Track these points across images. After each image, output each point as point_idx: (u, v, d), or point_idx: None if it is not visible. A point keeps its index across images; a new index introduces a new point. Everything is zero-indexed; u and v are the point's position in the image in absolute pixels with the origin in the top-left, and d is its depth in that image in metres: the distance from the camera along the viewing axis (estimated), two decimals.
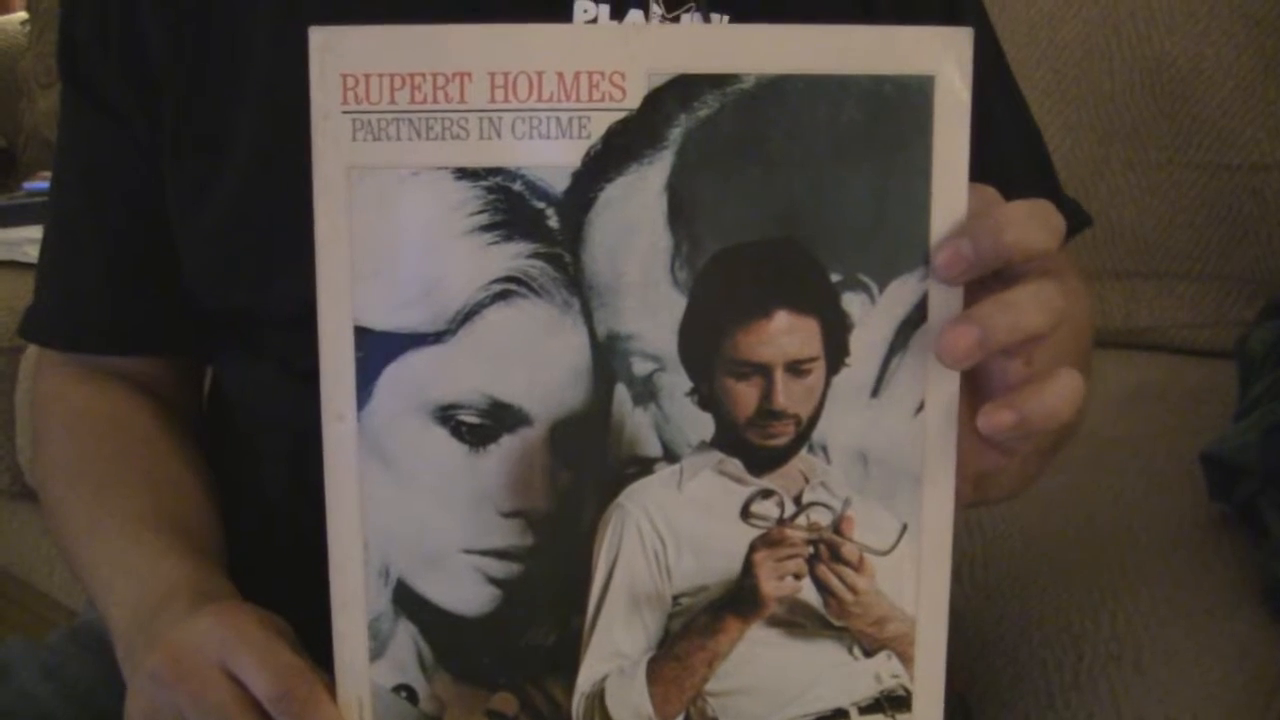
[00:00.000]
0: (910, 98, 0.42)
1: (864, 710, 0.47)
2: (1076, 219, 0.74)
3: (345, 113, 0.43)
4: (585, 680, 0.47)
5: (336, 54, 0.43)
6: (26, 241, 1.72)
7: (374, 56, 0.43)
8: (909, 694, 0.47)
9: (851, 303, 0.44)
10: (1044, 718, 0.72)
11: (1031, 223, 0.43)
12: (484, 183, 0.43)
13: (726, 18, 0.59)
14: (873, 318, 0.43)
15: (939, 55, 0.42)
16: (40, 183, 1.98)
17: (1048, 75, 1.24)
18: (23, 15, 2.55)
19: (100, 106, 0.68)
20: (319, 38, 0.43)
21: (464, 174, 0.43)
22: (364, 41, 0.43)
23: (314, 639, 0.51)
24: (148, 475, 0.67)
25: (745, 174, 0.43)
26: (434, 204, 0.43)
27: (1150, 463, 0.95)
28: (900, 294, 0.43)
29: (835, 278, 0.43)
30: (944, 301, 0.43)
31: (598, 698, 0.47)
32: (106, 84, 0.67)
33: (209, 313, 0.68)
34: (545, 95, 0.42)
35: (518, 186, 0.43)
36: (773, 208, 0.43)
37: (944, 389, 0.44)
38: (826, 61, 0.42)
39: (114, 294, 0.70)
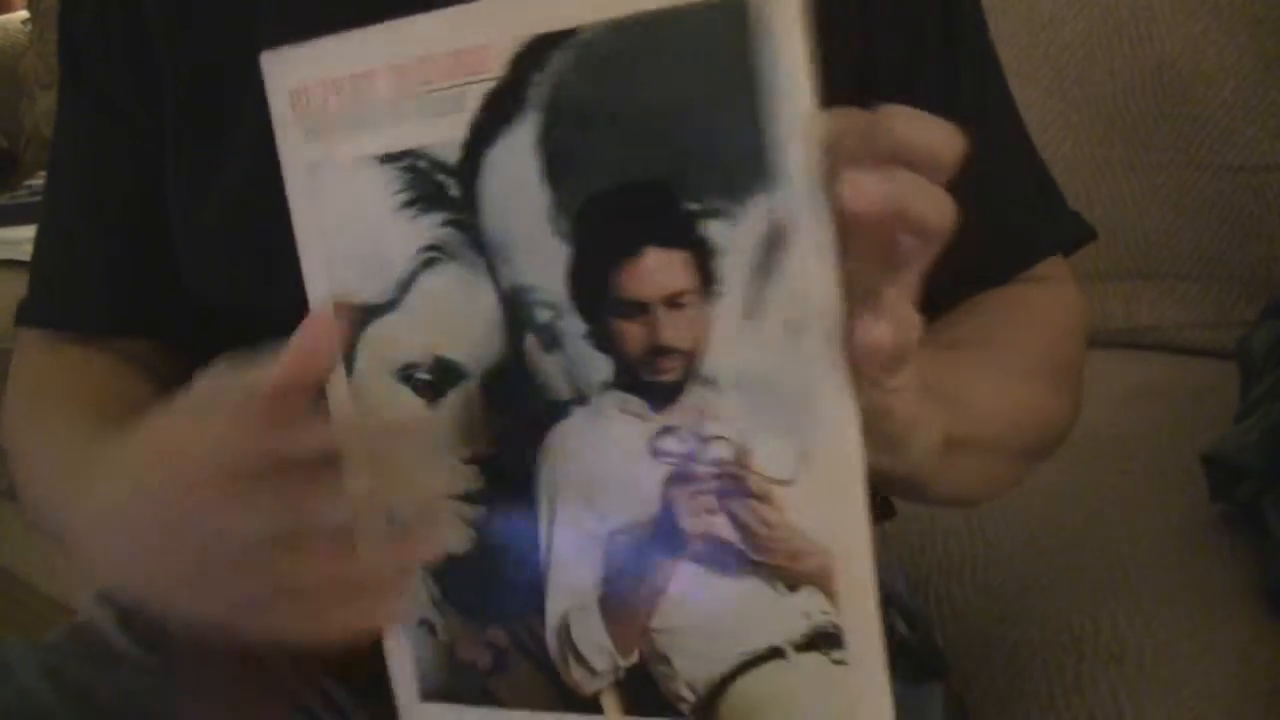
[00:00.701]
0: (731, 18, 0.42)
1: (799, 648, 0.46)
2: (1079, 232, 0.73)
3: (296, 120, 0.49)
4: (552, 615, 0.49)
5: (282, 70, 0.49)
6: (27, 241, 1.71)
7: (308, 67, 0.48)
8: (840, 630, 0.45)
9: (713, 230, 0.44)
10: (1044, 718, 0.72)
11: (920, 118, 0.41)
12: (399, 164, 0.48)
13: None
14: (736, 242, 0.44)
15: None
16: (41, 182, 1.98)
17: (1049, 76, 1.24)
18: (24, 14, 2.56)
19: (101, 104, 0.68)
20: (268, 59, 0.49)
21: (385, 159, 0.48)
22: (299, 55, 0.49)
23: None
24: (102, 407, 0.65)
25: (599, 122, 0.45)
26: (369, 189, 0.49)
27: (1151, 463, 0.95)
28: (758, 214, 0.43)
29: (693, 207, 0.44)
30: (809, 212, 0.43)
31: (566, 631, 0.49)
32: (108, 80, 0.67)
33: (209, 313, 0.67)
34: (432, 78, 0.47)
35: (423, 164, 0.48)
36: (628, 150, 0.45)
37: (819, 303, 0.43)
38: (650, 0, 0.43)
39: (110, 280, 0.70)
